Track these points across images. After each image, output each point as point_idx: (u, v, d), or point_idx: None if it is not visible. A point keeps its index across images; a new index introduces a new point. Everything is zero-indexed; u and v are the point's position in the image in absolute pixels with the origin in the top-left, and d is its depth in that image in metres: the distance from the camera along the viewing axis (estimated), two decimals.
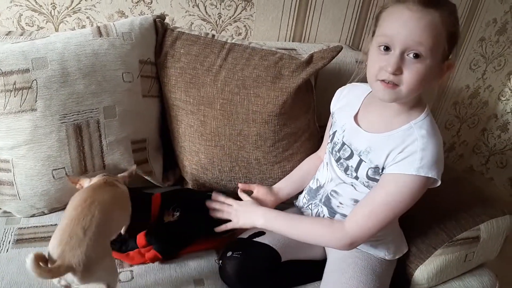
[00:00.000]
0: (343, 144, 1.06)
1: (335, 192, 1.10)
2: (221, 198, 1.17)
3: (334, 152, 1.09)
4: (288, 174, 1.31)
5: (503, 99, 2.36)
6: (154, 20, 1.28)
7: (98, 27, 1.20)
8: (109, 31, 1.20)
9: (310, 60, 1.30)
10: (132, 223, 1.09)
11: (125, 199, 1.05)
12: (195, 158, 1.33)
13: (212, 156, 1.31)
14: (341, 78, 1.59)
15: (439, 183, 0.93)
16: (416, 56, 0.85)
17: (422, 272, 1.15)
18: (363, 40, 1.82)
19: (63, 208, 1.19)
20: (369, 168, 0.99)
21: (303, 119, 1.34)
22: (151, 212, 1.20)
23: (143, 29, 1.25)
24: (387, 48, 0.88)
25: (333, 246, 1.04)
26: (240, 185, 1.22)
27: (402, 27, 0.86)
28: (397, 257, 1.14)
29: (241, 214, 1.10)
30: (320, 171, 1.18)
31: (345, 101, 1.12)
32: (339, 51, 1.31)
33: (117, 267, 0.95)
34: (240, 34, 1.65)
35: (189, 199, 1.25)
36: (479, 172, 2.57)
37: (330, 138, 1.12)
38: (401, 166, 0.92)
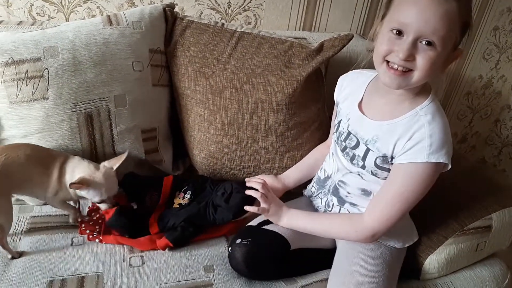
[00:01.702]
0: (349, 133, 1.05)
1: (343, 182, 1.10)
2: (260, 186, 1.13)
3: (339, 142, 1.09)
4: (296, 161, 1.31)
5: None
6: (164, 9, 1.29)
7: (108, 16, 1.20)
8: (119, 20, 1.20)
9: (320, 48, 1.29)
10: (143, 204, 1.10)
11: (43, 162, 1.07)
12: (205, 147, 1.33)
13: (221, 146, 1.32)
14: (350, 66, 1.57)
15: (449, 166, 0.93)
16: (429, 43, 0.84)
17: (432, 261, 1.15)
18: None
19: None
20: (377, 157, 0.98)
21: (313, 109, 1.34)
22: (161, 193, 1.21)
23: (153, 18, 1.25)
24: (399, 33, 0.86)
25: (354, 239, 1.05)
26: (247, 179, 1.21)
27: (418, 15, 0.83)
28: (406, 245, 1.13)
29: (273, 208, 1.10)
30: (326, 161, 1.18)
31: (348, 90, 1.11)
32: (350, 39, 1.29)
33: (12, 213, 1.04)
34: (249, 23, 1.64)
35: (201, 184, 1.26)
36: (492, 164, 2.54)
37: (335, 127, 1.12)
38: (411, 155, 0.92)
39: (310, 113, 1.33)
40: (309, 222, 1.08)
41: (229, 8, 1.58)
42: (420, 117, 0.92)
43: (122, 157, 1.12)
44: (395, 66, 0.87)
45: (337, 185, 1.11)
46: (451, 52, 0.87)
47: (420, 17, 0.83)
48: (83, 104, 1.14)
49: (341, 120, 1.09)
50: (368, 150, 1.00)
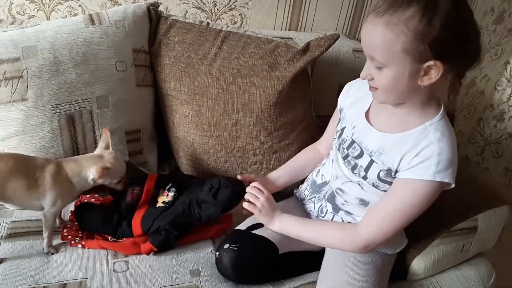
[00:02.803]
0: (353, 141, 1.03)
1: (341, 190, 1.08)
2: (256, 183, 1.11)
3: (342, 149, 1.07)
4: (283, 162, 1.29)
5: (500, 88, 2.34)
6: (148, 8, 1.26)
7: (90, 15, 1.17)
8: (102, 19, 1.17)
9: (306, 48, 1.28)
10: (124, 199, 1.11)
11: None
12: (190, 148, 1.31)
13: (207, 147, 1.30)
14: (338, 67, 1.57)
15: (453, 186, 0.92)
16: (377, 67, 0.86)
17: (419, 263, 1.15)
18: (359, 29, 1.80)
19: None
20: (381, 170, 0.96)
21: (300, 109, 1.33)
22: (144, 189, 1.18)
23: (137, 17, 1.23)
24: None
25: (347, 249, 1.03)
26: (239, 177, 1.20)
27: (363, 38, 0.88)
28: (397, 251, 1.12)
29: (264, 212, 1.07)
30: (325, 167, 1.16)
31: (355, 97, 1.08)
32: (336, 39, 1.29)
33: None
34: (235, 22, 1.62)
35: (185, 182, 1.23)
36: (475, 162, 2.56)
37: (338, 134, 1.09)
38: (417, 172, 0.90)
39: (297, 114, 1.32)
40: (302, 229, 1.07)
41: (214, 7, 1.56)
42: (429, 133, 0.91)
43: (107, 136, 1.09)
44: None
45: (335, 192, 1.09)
46: (418, 65, 0.83)
47: (363, 40, 0.87)
48: (65, 105, 1.11)
49: (345, 127, 1.07)
50: (372, 161, 0.98)
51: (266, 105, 1.24)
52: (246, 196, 1.10)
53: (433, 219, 1.16)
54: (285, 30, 1.70)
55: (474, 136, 2.52)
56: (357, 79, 1.10)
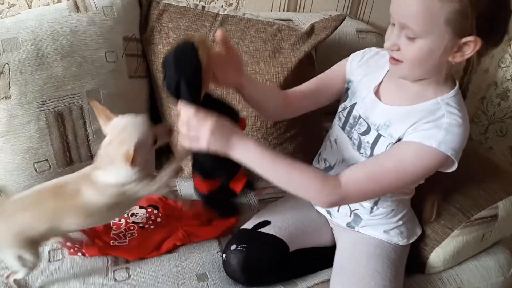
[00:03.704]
0: (359, 117, 0.97)
1: None
2: (191, 113, 0.78)
3: (348, 127, 0.99)
4: (290, 156, 1.21)
5: (503, 66, 2.28)
6: None
7: (75, 1, 1.08)
8: (88, 5, 1.08)
9: (311, 31, 1.20)
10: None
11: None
12: None
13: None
14: (341, 49, 1.50)
15: (454, 167, 0.86)
16: (410, 33, 0.79)
17: (438, 255, 1.09)
18: (361, 8, 1.71)
19: None
20: (390, 144, 0.90)
21: None
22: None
23: (125, 2, 1.13)
24: (394, 24, 0.82)
25: (318, 200, 0.91)
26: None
27: (396, 4, 0.80)
28: (411, 241, 1.07)
29: (217, 138, 0.78)
30: (326, 150, 1.09)
31: (364, 69, 1.00)
32: (343, 20, 1.22)
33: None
34: (230, 4, 1.52)
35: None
36: (478, 141, 2.52)
37: (347, 111, 1.01)
38: (422, 136, 0.84)
39: None
40: (272, 163, 0.83)
41: None
42: (441, 106, 0.85)
43: (96, 106, 0.89)
44: (390, 54, 0.85)
45: None
46: (455, 40, 0.78)
47: (400, 7, 0.80)
48: (52, 102, 1.02)
49: (355, 104, 0.99)
50: (379, 136, 0.92)
51: None
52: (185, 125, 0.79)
53: (450, 208, 1.11)
54: (284, 11, 1.61)
55: (477, 115, 2.46)
56: (364, 49, 1.03)
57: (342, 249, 1.05)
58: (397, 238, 1.03)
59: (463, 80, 0.90)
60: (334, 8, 1.68)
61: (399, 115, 0.89)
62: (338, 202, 0.91)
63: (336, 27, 1.21)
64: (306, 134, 1.25)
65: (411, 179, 0.88)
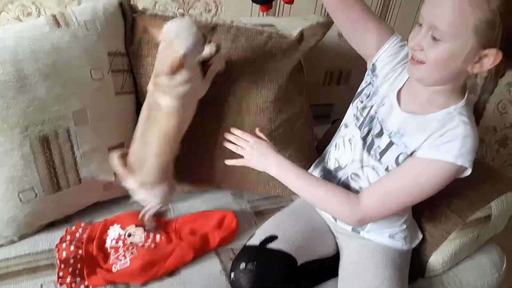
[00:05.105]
0: (374, 118, 0.96)
1: (356, 175, 1.00)
2: (238, 132, 1.03)
3: (363, 126, 0.98)
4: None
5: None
6: (120, 3, 1.09)
7: (54, 16, 0.99)
8: (69, 20, 0.99)
9: (301, 38, 1.19)
10: None
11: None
12: (182, 157, 1.18)
13: (203, 154, 1.17)
14: (324, 53, 1.50)
15: (468, 173, 0.87)
16: (437, 35, 0.79)
17: (437, 258, 1.11)
18: None
19: (35, 232, 1.05)
20: (401, 154, 0.90)
21: (298, 103, 1.23)
22: None
23: (108, 15, 1.05)
24: (420, 25, 0.83)
25: (341, 218, 0.99)
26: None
27: (432, 7, 0.80)
28: (413, 245, 1.08)
29: (256, 153, 0.98)
30: (338, 150, 1.06)
31: (391, 67, 0.97)
32: (330, 26, 1.21)
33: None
34: (209, 10, 1.48)
35: None
36: None
37: (367, 111, 0.99)
38: (440, 152, 0.85)
39: (295, 108, 1.23)
40: (301, 181, 0.97)
41: None
42: (454, 116, 0.86)
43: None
44: (411, 54, 0.85)
45: (350, 178, 1.01)
46: (477, 50, 0.78)
47: (432, 9, 0.80)
48: (36, 126, 0.95)
49: (373, 105, 0.97)
50: (391, 143, 0.92)
51: (265, 102, 1.14)
52: (229, 146, 1.03)
53: (446, 211, 1.13)
54: (263, 16, 1.58)
55: None
56: (404, 43, 0.99)
57: (347, 256, 1.05)
58: (401, 243, 1.04)
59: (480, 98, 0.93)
60: (312, 10, 1.67)
61: (413, 125, 0.90)
62: (360, 221, 0.94)
63: (325, 33, 1.21)
64: (300, 140, 1.24)
65: (428, 194, 0.89)
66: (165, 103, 0.99)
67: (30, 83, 0.93)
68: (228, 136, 1.03)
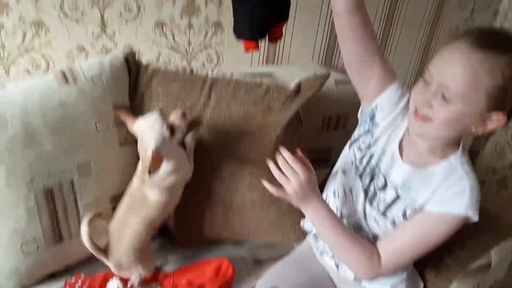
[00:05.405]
0: (377, 169, 0.97)
1: (359, 227, 1.01)
2: (288, 155, 0.90)
3: (365, 177, 0.99)
4: (284, 213, 1.21)
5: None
6: (126, 58, 1.13)
7: (63, 72, 1.03)
8: (76, 75, 1.03)
9: (298, 90, 1.22)
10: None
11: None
12: (183, 207, 1.19)
13: (202, 203, 1.19)
14: (321, 99, 1.52)
15: (475, 220, 0.88)
16: (447, 96, 0.80)
17: None
18: (335, 57, 1.77)
19: (35, 283, 1.05)
20: (408, 206, 0.92)
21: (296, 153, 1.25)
22: None
23: (114, 70, 1.09)
24: (426, 81, 0.84)
25: (358, 273, 0.98)
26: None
27: (444, 67, 0.81)
28: None
29: (301, 193, 0.89)
30: (339, 198, 1.05)
31: (393, 116, 0.97)
32: (327, 78, 1.25)
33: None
34: (211, 60, 1.53)
35: None
36: None
37: (366, 160, 0.99)
38: (450, 205, 0.87)
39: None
40: (332, 230, 0.93)
41: (189, 46, 1.46)
42: (457, 167, 0.88)
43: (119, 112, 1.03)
44: (417, 110, 0.86)
45: (351, 228, 1.01)
46: (484, 112, 0.81)
47: (444, 69, 0.81)
48: (42, 179, 0.97)
49: (373, 155, 0.98)
50: (397, 197, 0.93)
51: (264, 154, 1.16)
52: (275, 173, 0.90)
53: (446, 260, 1.13)
54: (262, 63, 1.64)
55: None
56: (406, 93, 0.97)
57: None
58: None
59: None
60: (310, 58, 1.73)
61: (417, 178, 0.91)
62: (376, 277, 0.96)
63: (322, 85, 1.24)
64: None
65: (439, 243, 0.91)
66: (153, 196, 1.00)
67: (37, 138, 0.96)
68: (280, 162, 0.90)
